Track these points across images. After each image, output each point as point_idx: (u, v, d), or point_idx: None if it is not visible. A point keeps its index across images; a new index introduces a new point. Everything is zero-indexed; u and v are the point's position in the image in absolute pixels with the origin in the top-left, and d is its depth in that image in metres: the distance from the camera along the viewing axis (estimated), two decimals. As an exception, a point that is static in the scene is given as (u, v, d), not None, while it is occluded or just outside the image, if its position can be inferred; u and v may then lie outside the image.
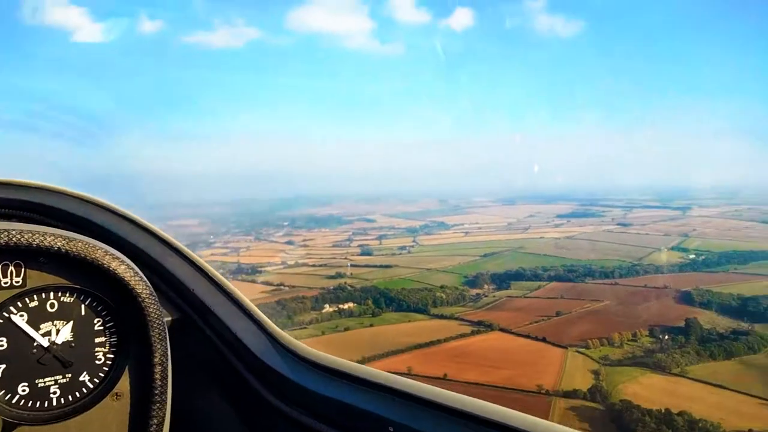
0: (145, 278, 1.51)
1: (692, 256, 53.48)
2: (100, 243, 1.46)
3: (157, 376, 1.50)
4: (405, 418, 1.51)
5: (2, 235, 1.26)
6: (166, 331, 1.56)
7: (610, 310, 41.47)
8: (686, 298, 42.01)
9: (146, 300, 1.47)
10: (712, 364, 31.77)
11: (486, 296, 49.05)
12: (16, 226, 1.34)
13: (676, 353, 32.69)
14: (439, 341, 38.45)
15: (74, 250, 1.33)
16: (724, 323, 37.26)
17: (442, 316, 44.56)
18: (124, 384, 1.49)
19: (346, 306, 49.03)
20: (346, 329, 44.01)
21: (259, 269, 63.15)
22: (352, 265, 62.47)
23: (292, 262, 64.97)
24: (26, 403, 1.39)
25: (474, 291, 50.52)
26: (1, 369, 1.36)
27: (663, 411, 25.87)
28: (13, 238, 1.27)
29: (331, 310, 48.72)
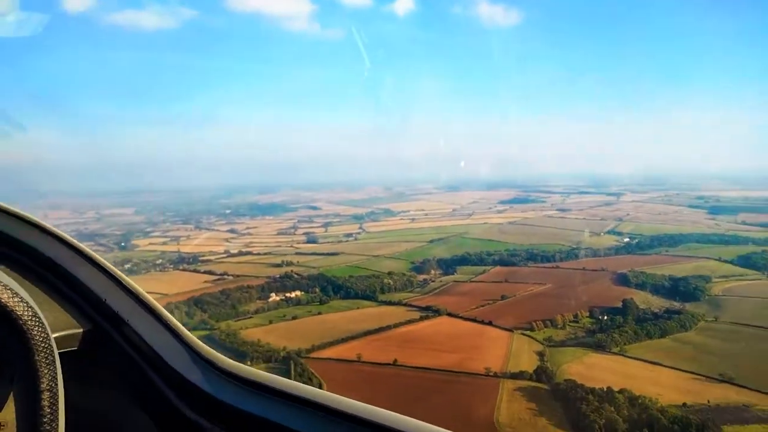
0: (26, 299, 1.36)
1: (626, 240, 55.85)
2: None
3: (45, 403, 1.35)
4: (316, 428, 1.49)
5: None
6: (56, 355, 1.41)
7: (552, 293, 42.63)
8: (622, 280, 43.78)
9: (28, 323, 1.32)
10: (648, 343, 33.23)
11: (433, 281, 49.41)
12: None
13: (615, 333, 33.95)
14: (388, 327, 38.41)
15: None
16: (657, 303, 39.10)
17: (390, 303, 44.55)
18: (8, 413, 1.35)
19: (293, 294, 48.22)
20: (294, 318, 43.28)
21: (201, 259, 61.22)
22: (298, 253, 61.64)
23: (236, 251, 63.36)
24: None
25: (421, 277, 50.78)
26: None
27: (605, 389, 26.83)
28: None
29: (277, 298, 47.81)
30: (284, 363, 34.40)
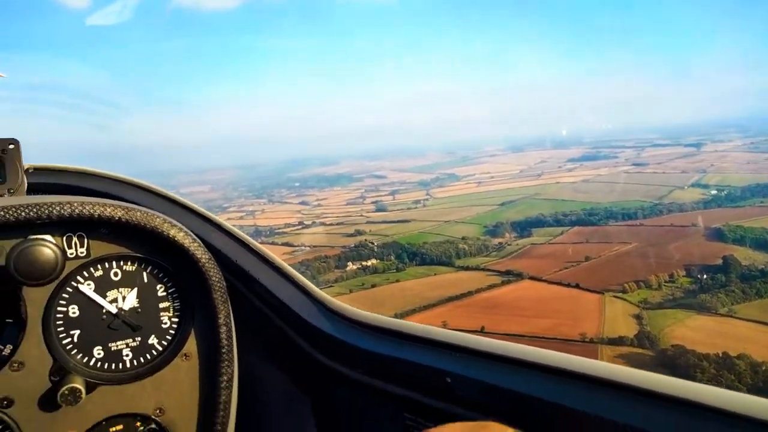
0: (202, 244, 1.47)
1: (714, 192, 50.90)
2: (157, 212, 1.43)
3: (223, 336, 1.51)
4: (461, 368, 1.45)
5: (65, 208, 1.28)
6: (227, 292, 1.53)
7: (640, 252, 39.29)
8: (717, 235, 39.68)
9: (206, 264, 1.45)
10: (761, 302, 29.65)
11: (509, 245, 46.90)
12: (76, 199, 1.34)
13: (721, 293, 30.55)
14: (470, 293, 36.49)
15: (133, 219, 1.33)
16: (762, 258, 35.02)
17: (467, 268, 42.52)
18: (191, 346, 1.51)
19: (369, 263, 47.10)
20: (373, 286, 42.14)
21: (278, 231, 61.19)
22: (369, 222, 60.43)
23: (310, 222, 62.89)
24: (102, 365, 1.44)
25: (496, 240, 48.37)
26: (77, 334, 1.40)
27: (720, 354, 23.91)
28: (76, 210, 1.28)
29: (354, 267, 46.83)
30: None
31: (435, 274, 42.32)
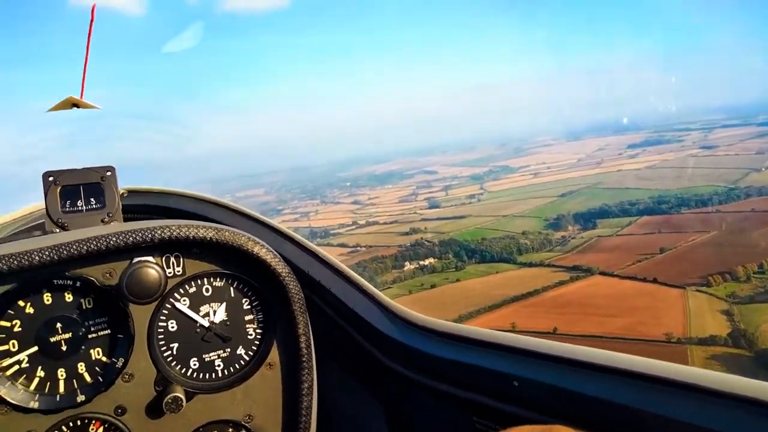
0: (283, 260, 1.56)
1: (796, 173, 46.70)
2: (242, 231, 1.54)
3: (303, 345, 1.59)
4: (528, 372, 1.47)
5: (165, 231, 1.41)
6: (305, 305, 1.60)
7: (721, 241, 36.12)
8: (807, 220, 36.13)
9: (286, 278, 1.55)
10: None
11: (573, 238, 44.32)
12: (173, 222, 1.47)
13: (821, 284, 27.52)
14: (536, 291, 34.44)
15: (223, 238, 1.46)
16: None
17: (531, 264, 40.37)
18: (274, 355, 1.61)
19: (426, 262, 45.61)
20: (433, 286, 40.62)
21: (332, 232, 60.66)
22: (423, 219, 58.94)
23: (363, 222, 61.99)
24: (198, 375, 1.55)
25: (559, 234, 45.85)
26: (176, 347, 1.52)
27: (834, 355, 21.22)
28: (174, 233, 1.41)
29: (412, 267, 45.45)
30: (433, 335, 31.90)
31: (497, 272, 40.40)
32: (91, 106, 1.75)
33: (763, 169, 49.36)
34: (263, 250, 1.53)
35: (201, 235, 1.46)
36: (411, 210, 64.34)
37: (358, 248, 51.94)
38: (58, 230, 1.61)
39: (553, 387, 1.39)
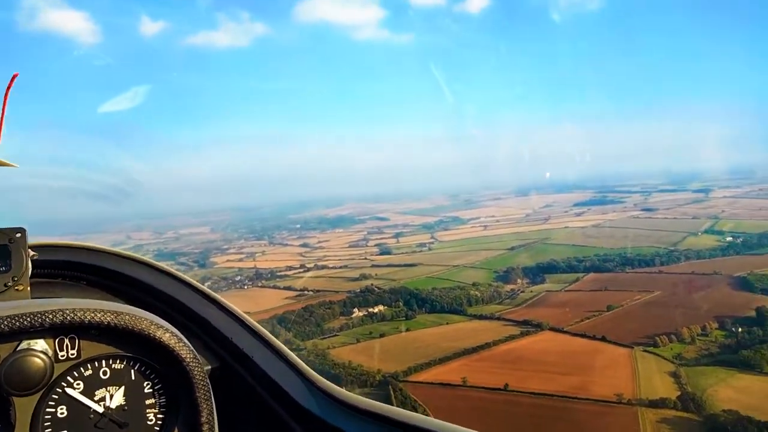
0: (188, 344, 1.52)
1: (729, 239, 48.87)
2: (145, 314, 1.49)
3: None
4: None
5: (57, 315, 1.33)
6: (211, 392, 1.56)
7: (664, 301, 36.81)
8: (744, 284, 37.35)
9: (191, 364, 1.50)
10: (810, 360, 27.11)
11: (522, 292, 44.36)
12: (68, 305, 1.39)
13: (763, 348, 27.93)
14: (487, 345, 33.71)
15: (122, 323, 1.40)
16: (798, 311, 32.58)
17: (481, 316, 39.87)
18: None
19: (376, 309, 44.25)
20: (382, 335, 39.24)
21: (279, 274, 58.55)
22: (373, 266, 57.87)
23: (312, 265, 60.26)
24: None
25: (508, 287, 45.84)
26: None
27: (784, 423, 21.15)
28: (68, 317, 1.34)
29: (361, 314, 43.95)
30: (381, 387, 30.30)
31: (447, 323, 39.61)
32: (7, 164, 1.67)
33: (699, 234, 51.58)
34: (166, 335, 1.45)
35: (98, 320, 1.36)
36: (361, 255, 63.26)
37: (306, 292, 50.06)
38: None
39: None
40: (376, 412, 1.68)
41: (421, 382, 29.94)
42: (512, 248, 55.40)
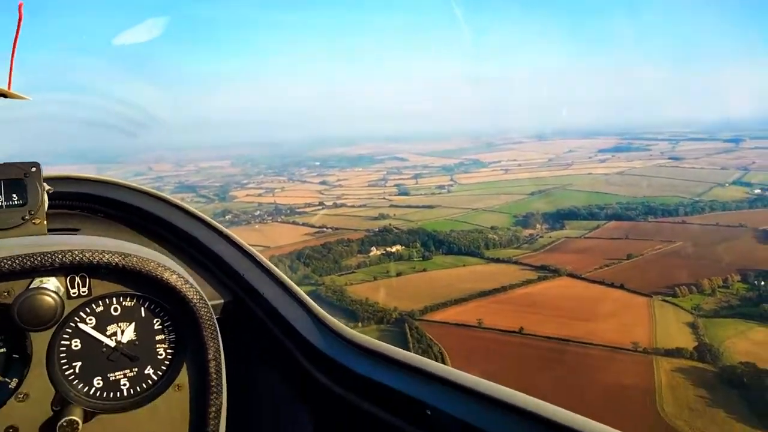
0: (195, 284, 1.54)
1: (758, 191, 47.24)
2: (153, 254, 1.53)
3: (212, 370, 1.57)
4: (442, 402, 1.50)
5: (67, 256, 1.37)
6: (218, 329, 1.58)
7: (686, 252, 36.02)
8: (770, 238, 36.34)
9: (197, 304, 1.52)
10: (833, 316, 26.50)
11: (541, 237, 43.78)
12: (77, 242, 1.45)
13: (786, 303, 27.35)
14: (503, 288, 33.55)
15: (129, 264, 1.42)
16: (824, 266, 31.65)
17: (498, 260, 39.55)
18: (183, 377, 1.57)
19: (393, 249, 44.26)
20: (399, 274, 39.35)
21: (298, 210, 58.61)
22: (392, 206, 57.52)
23: (330, 203, 60.15)
24: (101, 394, 1.50)
25: (527, 231, 45.27)
26: (78, 366, 1.46)
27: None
28: (77, 257, 1.37)
29: (378, 253, 44.03)
30: (397, 325, 30.56)
31: (464, 265, 39.46)
32: (20, 97, 1.69)
33: (727, 185, 49.91)
34: (173, 276, 1.48)
35: (106, 260, 1.40)
36: (380, 195, 62.87)
37: (324, 229, 50.16)
38: None
39: (462, 421, 1.41)
40: (382, 353, 1.70)
41: (436, 321, 30.07)
42: (532, 193, 54.42)
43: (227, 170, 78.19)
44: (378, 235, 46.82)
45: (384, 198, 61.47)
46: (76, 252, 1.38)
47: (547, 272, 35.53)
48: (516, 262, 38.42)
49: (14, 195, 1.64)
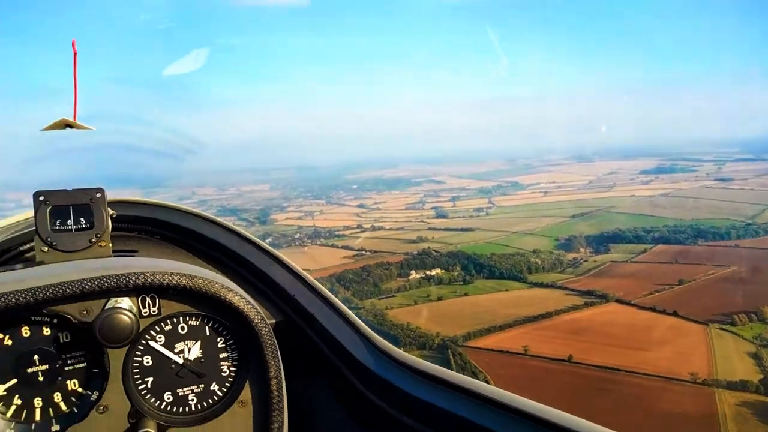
0: (256, 305, 1.59)
1: (816, 214, 44.85)
2: (217, 276, 1.59)
3: (274, 387, 1.61)
4: (498, 425, 1.45)
5: (139, 278, 1.43)
6: (278, 349, 1.62)
7: (742, 277, 34.16)
8: (833, 264, 34.21)
9: (258, 324, 1.56)
10: None
11: (585, 261, 42.43)
12: (148, 265, 1.51)
13: None
14: (549, 314, 32.45)
15: (195, 286, 1.48)
16: None
17: (542, 284, 38.43)
18: (246, 393, 1.61)
19: (433, 272, 43.62)
20: (440, 298, 38.63)
21: (337, 233, 58.73)
22: (430, 228, 56.98)
23: (368, 226, 60.07)
24: (171, 408, 1.56)
25: (570, 255, 43.98)
26: (150, 381, 1.54)
27: None
28: (148, 279, 1.44)
29: (417, 276, 43.46)
30: (440, 351, 29.79)
31: (506, 290, 38.48)
32: (85, 127, 1.79)
33: (783, 206, 47.56)
34: (236, 298, 1.54)
35: (175, 282, 1.47)
36: (418, 218, 62.54)
37: (363, 252, 49.97)
38: (46, 249, 1.69)
39: None
40: (430, 373, 1.68)
41: (480, 348, 29.20)
42: (574, 216, 53.07)
43: (267, 194, 79.39)
44: (417, 258, 46.31)
45: (422, 221, 61.10)
46: (149, 274, 1.45)
47: (594, 298, 34.25)
48: (561, 287, 37.23)
49: (82, 219, 1.75)
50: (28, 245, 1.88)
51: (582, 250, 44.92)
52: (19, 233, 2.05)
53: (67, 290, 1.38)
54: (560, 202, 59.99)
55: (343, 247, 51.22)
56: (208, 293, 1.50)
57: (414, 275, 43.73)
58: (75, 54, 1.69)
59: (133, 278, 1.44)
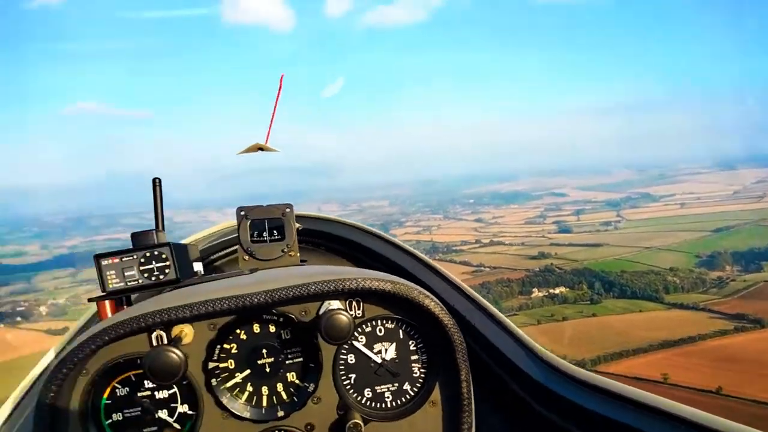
0: (448, 312, 1.63)
1: None
2: (414, 285, 1.64)
3: (464, 390, 1.65)
4: None
5: (353, 282, 1.54)
6: (467, 354, 1.65)
7: None
8: None
9: (452, 329, 1.61)
10: None
11: (733, 280, 38.15)
12: (358, 273, 1.60)
13: None
14: (692, 339, 29.53)
15: (399, 291, 1.56)
16: None
17: (682, 306, 35.18)
18: (437, 394, 1.68)
19: (557, 291, 41.77)
20: (565, 318, 36.86)
21: (454, 248, 58.54)
22: (552, 244, 54.69)
23: (487, 241, 59.18)
24: (370, 404, 1.68)
25: (714, 274, 39.82)
26: (353, 377, 1.67)
27: None
28: (359, 284, 1.54)
29: (540, 294, 41.88)
30: (567, 374, 28.43)
31: (640, 311, 35.75)
32: (274, 150, 1.98)
33: None
34: (432, 303, 1.60)
35: (381, 287, 1.56)
36: (539, 233, 60.46)
37: (482, 268, 49.30)
38: (247, 257, 1.96)
39: None
40: (603, 387, 1.62)
41: (614, 374, 27.25)
42: (717, 230, 48.04)
43: (386, 210, 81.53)
44: (539, 276, 44.70)
45: (543, 236, 59.01)
46: (360, 279, 1.56)
47: (746, 322, 30.58)
48: (704, 309, 33.79)
49: (275, 231, 1.99)
50: (226, 251, 2.26)
51: (728, 267, 40.46)
52: (216, 242, 2.44)
53: (296, 293, 1.53)
54: (700, 215, 54.73)
55: (461, 263, 50.95)
56: (409, 298, 1.60)
57: (537, 293, 42.25)
58: (280, 88, 1.89)
59: (348, 283, 1.56)
